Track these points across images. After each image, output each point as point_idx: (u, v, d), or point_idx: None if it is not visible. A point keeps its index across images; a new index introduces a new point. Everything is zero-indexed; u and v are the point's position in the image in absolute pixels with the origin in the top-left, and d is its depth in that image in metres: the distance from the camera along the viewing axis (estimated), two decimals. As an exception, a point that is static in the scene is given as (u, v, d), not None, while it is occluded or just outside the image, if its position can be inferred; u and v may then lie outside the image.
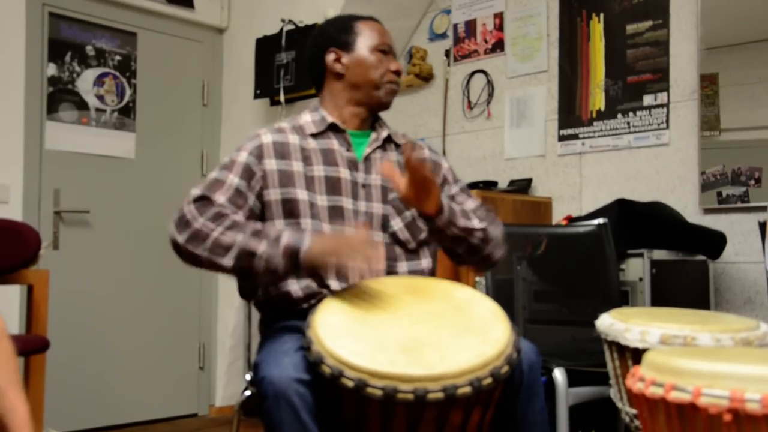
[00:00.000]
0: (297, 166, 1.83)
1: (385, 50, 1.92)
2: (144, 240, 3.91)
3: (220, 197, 1.74)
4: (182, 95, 4.16)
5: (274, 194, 1.80)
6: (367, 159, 1.89)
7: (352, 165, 1.87)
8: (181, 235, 1.68)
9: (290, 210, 1.80)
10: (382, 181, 1.88)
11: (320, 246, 1.61)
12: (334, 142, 1.88)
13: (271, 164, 1.82)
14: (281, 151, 1.83)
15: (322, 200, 1.81)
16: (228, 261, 1.65)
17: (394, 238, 1.85)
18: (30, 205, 3.54)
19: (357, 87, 1.90)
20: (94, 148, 3.79)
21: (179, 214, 1.71)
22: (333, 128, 1.90)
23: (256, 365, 1.63)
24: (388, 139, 1.96)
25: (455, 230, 1.76)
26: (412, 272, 1.86)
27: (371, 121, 1.96)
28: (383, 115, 2.00)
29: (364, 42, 1.91)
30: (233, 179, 1.78)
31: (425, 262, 1.90)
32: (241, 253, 1.63)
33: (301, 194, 1.80)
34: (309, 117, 1.92)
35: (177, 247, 1.70)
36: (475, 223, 1.80)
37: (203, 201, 1.72)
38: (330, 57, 1.91)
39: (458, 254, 1.86)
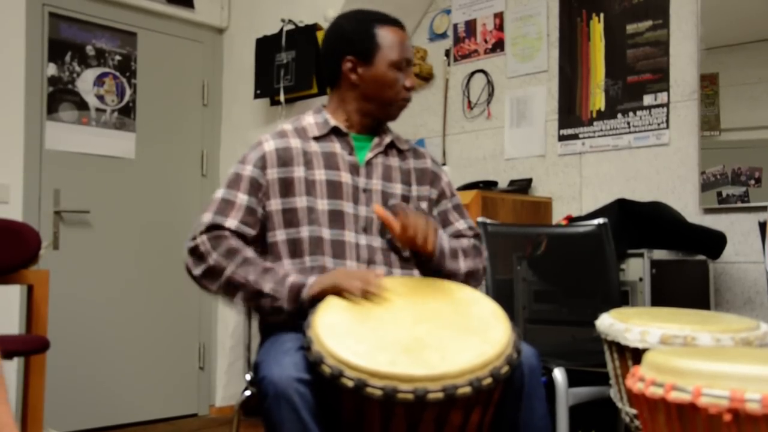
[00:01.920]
0: (298, 172, 1.83)
1: (402, 66, 1.88)
2: (144, 240, 3.91)
3: (232, 221, 1.78)
4: (182, 95, 4.16)
5: (275, 204, 1.82)
6: (369, 163, 1.89)
7: (354, 169, 1.87)
8: (196, 268, 1.76)
9: (290, 219, 1.81)
10: (383, 186, 1.88)
11: (321, 279, 1.68)
12: (336, 146, 1.88)
13: (273, 174, 1.83)
14: (283, 158, 1.84)
15: (323, 204, 1.81)
16: (237, 299, 1.74)
17: (390, 245, 1.85)
18: (30, 205, 3.54)
19: (369, 100, 1.88)
20: (94, 148, 3.79)
21: (193, 243, 1.76)
22: (336, 132, 1.89)
23: (256, 365, 1.63)
24: (391, 145, 1.95)
25: (442, 270, 1.81)
26: None
27: (375, 126, 1.95)
28: None
29: (384, 56, 1.85)
30: (242, 198, 1.80)
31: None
32: (250, 293, 1.70)
33: (300, 202, 1.81)
34: (312, 119, 1.92)
35: (192, 278, 1.79)
36: (461, 266, 1.85)
37: (216, 231, 1.76)
38: (347, 65, 1.87)
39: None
